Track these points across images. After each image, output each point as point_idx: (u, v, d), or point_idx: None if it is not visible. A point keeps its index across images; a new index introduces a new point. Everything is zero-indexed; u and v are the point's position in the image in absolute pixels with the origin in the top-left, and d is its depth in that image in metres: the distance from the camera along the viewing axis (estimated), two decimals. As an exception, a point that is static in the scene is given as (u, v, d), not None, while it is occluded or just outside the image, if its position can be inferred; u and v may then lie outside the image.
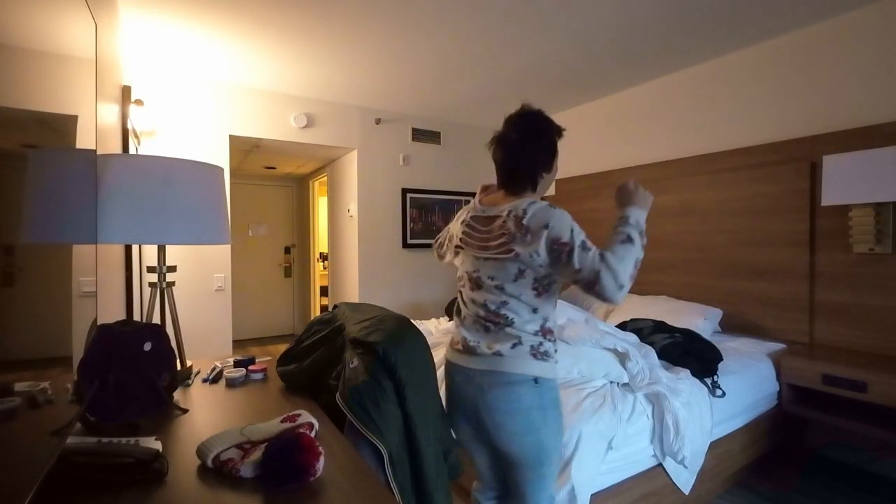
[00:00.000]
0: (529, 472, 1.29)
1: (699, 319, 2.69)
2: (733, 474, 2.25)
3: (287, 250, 6.28)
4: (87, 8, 1.14)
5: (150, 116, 3.15)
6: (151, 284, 1.61)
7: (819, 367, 2.22)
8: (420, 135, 4.45)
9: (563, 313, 2.37)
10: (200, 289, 3.44)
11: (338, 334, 1.33)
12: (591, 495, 1.62)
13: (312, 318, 1.91)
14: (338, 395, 1.08)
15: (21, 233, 0.74)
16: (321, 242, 5.87)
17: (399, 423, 1.05)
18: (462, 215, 1.45)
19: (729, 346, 2.58)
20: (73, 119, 1.05)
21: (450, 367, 1.38)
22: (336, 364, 1.24)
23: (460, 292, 1.42)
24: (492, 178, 1.43)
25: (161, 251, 1.59)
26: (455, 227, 1.46)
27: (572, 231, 1.18)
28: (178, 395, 1.30)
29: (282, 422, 0.97)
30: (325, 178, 5.24)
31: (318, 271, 5.90)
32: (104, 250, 1.70)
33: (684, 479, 1.90)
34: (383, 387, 1.05)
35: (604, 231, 3.73)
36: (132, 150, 2.63)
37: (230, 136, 3.55)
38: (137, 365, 1.09)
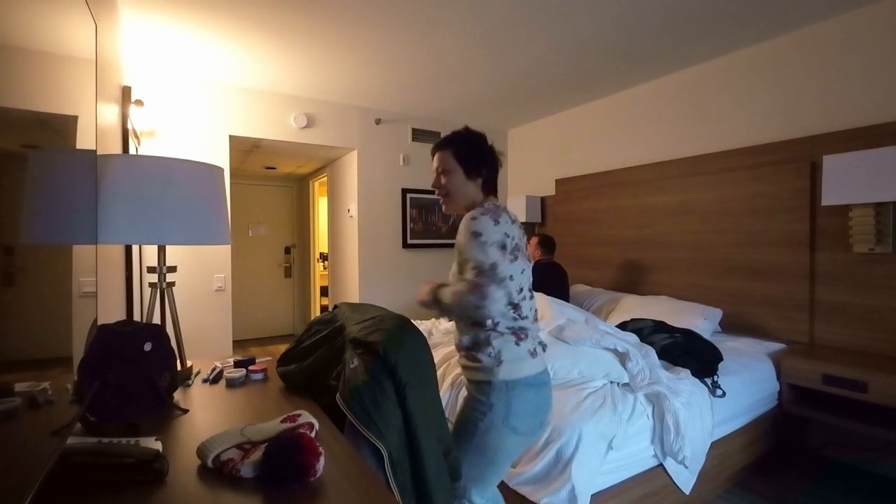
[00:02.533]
0: None
1: (699, 319, 2.69)
2: (733, 474, 2.25)
3: (287, 250, 6.27)
4: (87, 8, 1.14)
5: (150, 116, 3.15)
6: (151, 284, 1.61)
7: (819, 367, 2.22)
8: (420, 135, 4.45)
9: (562, 313, 2.37)
10: (200, 289, 3.44)
11: (338, 334, 1.33)
12: (592, 495, 1.62)
13: (312, 318, 1.91)
14: (338, 395, 1.08)
15: (21, 233, 0.74)
16: (321, 242, 5.87)
17: (399, 424, 1.05)
18: (515, 218, 1.34)
19: (729, 346, 2.58)
20: (73, 119, 1.05)
21: (546, 376, 1.35)
22: (336, 364, 1.24)
23: (522, 303, 1.30)
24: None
25: (161, 251, 1.59)
26: (517, 231, 1.32)
27: None
28: (178, 395, 1.30)
29: (282, 422, 0.97)
30: (325, 178, 5.24)
31: (318, 271, 5.90)
32: (104, 250, 1.70)
33: (685, 479, 1.90)
34: (383, 387, 1.05)
35: (603, 231, 3.81)
36: (132, 151, 2.63)
37: (230, 137, 3.55)
38: (137, 365, 1.09)
